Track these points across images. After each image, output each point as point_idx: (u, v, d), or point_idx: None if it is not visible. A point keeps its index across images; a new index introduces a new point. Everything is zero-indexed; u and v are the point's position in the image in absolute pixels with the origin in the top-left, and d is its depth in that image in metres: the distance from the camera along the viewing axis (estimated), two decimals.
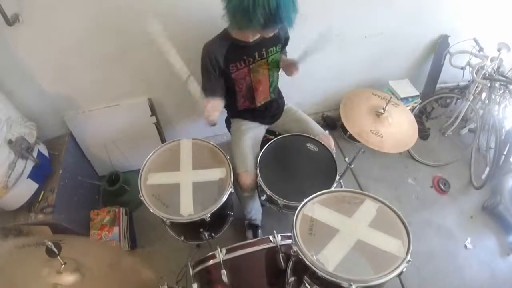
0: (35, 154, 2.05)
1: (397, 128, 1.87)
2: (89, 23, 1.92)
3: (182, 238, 1.94)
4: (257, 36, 1.75)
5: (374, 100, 1.95)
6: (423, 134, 3.28)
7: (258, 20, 1.49)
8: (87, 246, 1.40)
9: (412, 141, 1.84)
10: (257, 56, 1.86)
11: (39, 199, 2.10)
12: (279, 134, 2.16)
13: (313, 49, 1.70)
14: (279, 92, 2.21)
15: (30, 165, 2.01)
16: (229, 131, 2.27)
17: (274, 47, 1.89)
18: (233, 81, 1.91)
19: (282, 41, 1.95)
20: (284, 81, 2.16)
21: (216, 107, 1.79)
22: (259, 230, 2.42)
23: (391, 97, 1.87)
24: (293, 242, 1.38)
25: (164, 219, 1.65)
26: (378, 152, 1.79)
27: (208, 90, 1.86)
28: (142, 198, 1.68)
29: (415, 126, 1.91)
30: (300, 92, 2.84)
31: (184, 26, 2.07)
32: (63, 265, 1.08)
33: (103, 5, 1.86)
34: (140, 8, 1.92)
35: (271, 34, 1.69)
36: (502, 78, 2.66)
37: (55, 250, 1.04)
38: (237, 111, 2.12)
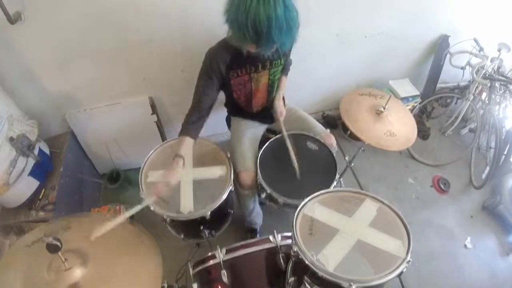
0: (36, 151, 2.06)
1: (400, 123, 1.91)
2: (90, 21, 1.91)
3: (182, 236, 1.94)
4: (254, 50, 1.65)
5: (368, 100, 1.99)
6: (424, 133, 3.28)
7: (251, 38, 1.47)
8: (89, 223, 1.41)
9: (414, 132, 1.91)
10: (260, 67, 1.82)
11: (40, 197, 2.11)
12: (280, 133, 2.16)
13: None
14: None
15: (31, 162, 2.01)
16: (229, 129, 2.27)
17: (279, 60, 1.85)
18: (232, 88, 1.88)
19: (287, 54, 1.93)
20: None
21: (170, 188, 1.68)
22: (258, 235, 2.41)
23: (390, 96, 1.89)
24: (293, 242, 1.39)
25: (164, 217, 1.66)
26: (379, 151, 1.81)
27: (198, 95, 1.82)
28: (142, 195, 1.68)
29: (412, 118, 1.98)
30: (301, 91, 2.84)
31: (186, 21, 2.08)
32: (65, 261, 1.09)
33: (105, 4, 1.86)
34: (142, 7, 1.93)
35: (268, 53, 1.64)
36: (502, 78, 2.66)
37: (57, 243, 1.05)
38: (237, 110, 2.12)
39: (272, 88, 1.98)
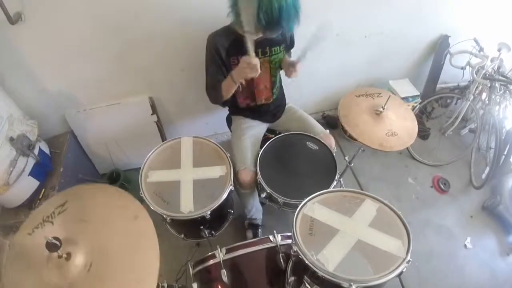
0: (36, 151, 2.06)
1: (400, 119, 1.90)
2: (91, 21, 1.92)
3: (182, 236, 1.94)
4: (260, 34, 1.75)
5: (366, 102, 1.97)
6: (423, 134, 3.28)
7: (261, 23, 1.54)
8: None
9: (414, 127, 1.88)
10: (260, 53, 1.87)
11: (40, 197, 2.10)
12: (280, 133, 2.16)
13: (310, 45, 1.68)
14: (282, 92, 2.21)
15: (31, 162, 2.01)
16: (230, 129, 2.28)
17: (278, 47, 1.91)
18: None
19: (286, 42, 1.96)
20: (284, 80, 2.16)
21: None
22: (260, 230, 2.42)
23: (390, 96, 1.87)
24: (293, 242, 1.38)
25: (164, 216, 1.65)
26: (379, 151, 1.79)
27: (214, 79, 1.91)
28: (142, 195, 1.68)
29: (410, 113, 1.96)
30: (301, 91, 2.84)
31: (186, 20, 2.08)
32: (63, 257, 1.08)
33: (105, 4, 1.86)
34: (142, 7, 1.93)
35: (273, 36, 1.74)
36: (503, 78, 2.66)
37: (57, 243, 1.04)
38: (238, 108, 2.13)
39: (275, 78, 2.01)
